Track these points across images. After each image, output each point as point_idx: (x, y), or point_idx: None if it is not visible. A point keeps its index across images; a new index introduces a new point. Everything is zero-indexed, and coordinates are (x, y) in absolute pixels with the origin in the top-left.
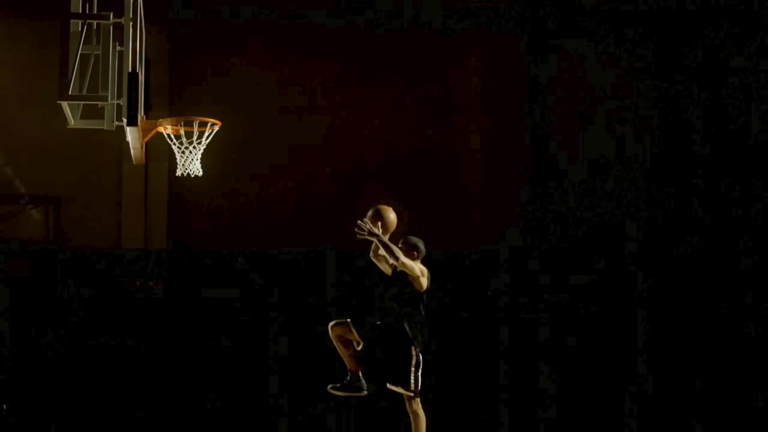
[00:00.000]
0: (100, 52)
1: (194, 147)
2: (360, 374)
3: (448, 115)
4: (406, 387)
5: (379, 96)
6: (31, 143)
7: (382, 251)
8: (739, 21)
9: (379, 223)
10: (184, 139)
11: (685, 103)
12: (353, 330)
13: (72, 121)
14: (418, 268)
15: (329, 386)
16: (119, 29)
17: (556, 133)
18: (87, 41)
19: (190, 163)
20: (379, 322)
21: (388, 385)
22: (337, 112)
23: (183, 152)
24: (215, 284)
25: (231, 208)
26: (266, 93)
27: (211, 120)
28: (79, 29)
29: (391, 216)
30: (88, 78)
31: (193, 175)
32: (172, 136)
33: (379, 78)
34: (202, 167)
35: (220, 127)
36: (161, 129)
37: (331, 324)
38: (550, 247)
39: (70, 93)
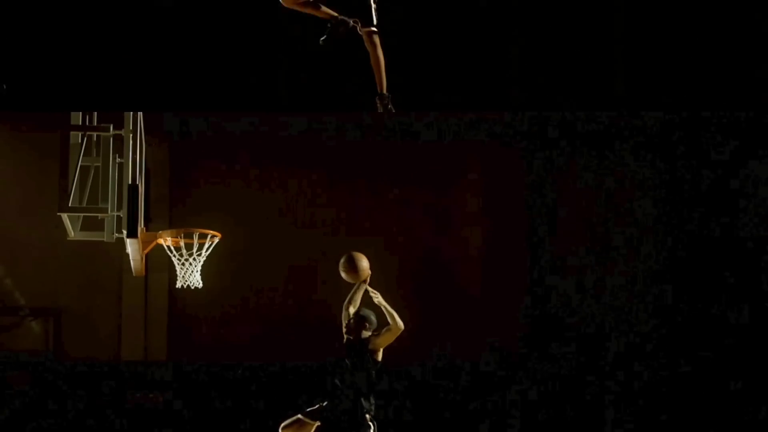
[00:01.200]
0: (100, 164)
1: (194, 259)
2: None
3: (448, 222)
4: None
5: (378, 204)
6: (31, 255)
7: (351, 308)
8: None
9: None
10: (184, 251)
11: (688, 211)
12: (308, 420)
13: (72, 233)
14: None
15: None
16: (119, 141)
17: (555, 237)
18: (87, 153)
19: (190, 274)
20: (326, 403)
21: None
22: (336, 222)
23: (183, 264)
24: (215, 396)
25: (231, 320)
26: (267, 205)
27: (211, 232)
28: (79, 141)
29: (364, 263)
30: (88, 189)
31: (193, 287)
32: (172, 248)
33: (379, 187)
34: (202, 279)
35: (220, 239)
36: (161, 241)
37: (281, 427)
38: (550, 353)
39: (70, 205)
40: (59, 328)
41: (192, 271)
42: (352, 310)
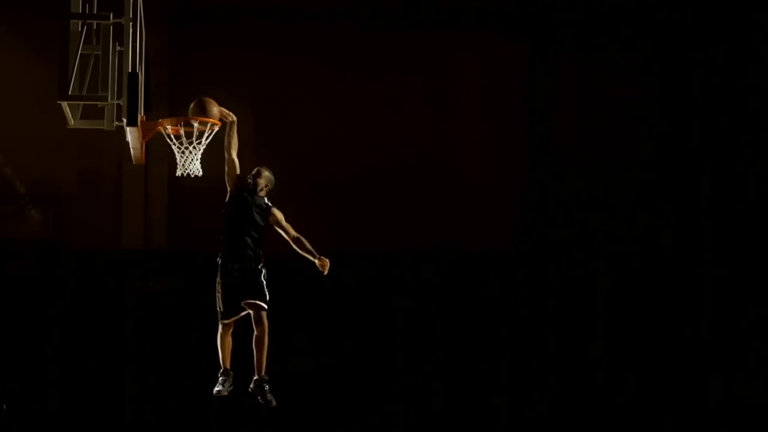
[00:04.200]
0: (100, 52)
1: (194, 147)
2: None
3: (448, 114)
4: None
5: (379, 96)
6: (31, 143)
7: (233, 151)
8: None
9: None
10: (184, 140)
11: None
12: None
13: (72, 121)
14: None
15: None
16: (119, 29)
17: (556, 125)
18: (87, 41)
19: (190, 163)
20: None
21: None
22: (337, 114)
23: (183, 152)
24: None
25: None
26: (267, 94)
27: (211, 120)
28: (79, 29)
29: (214, 109)
30: (88, 78)
31: (193, 176)
32: (172, 136)
33: (380, 78)
34: (201, 168)
35: (221, 128)
36: (161, 129)
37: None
38: (551, 246)
39: (70, 93)
40: (59, 217)
41: (192, 160)
42: (233, 152)
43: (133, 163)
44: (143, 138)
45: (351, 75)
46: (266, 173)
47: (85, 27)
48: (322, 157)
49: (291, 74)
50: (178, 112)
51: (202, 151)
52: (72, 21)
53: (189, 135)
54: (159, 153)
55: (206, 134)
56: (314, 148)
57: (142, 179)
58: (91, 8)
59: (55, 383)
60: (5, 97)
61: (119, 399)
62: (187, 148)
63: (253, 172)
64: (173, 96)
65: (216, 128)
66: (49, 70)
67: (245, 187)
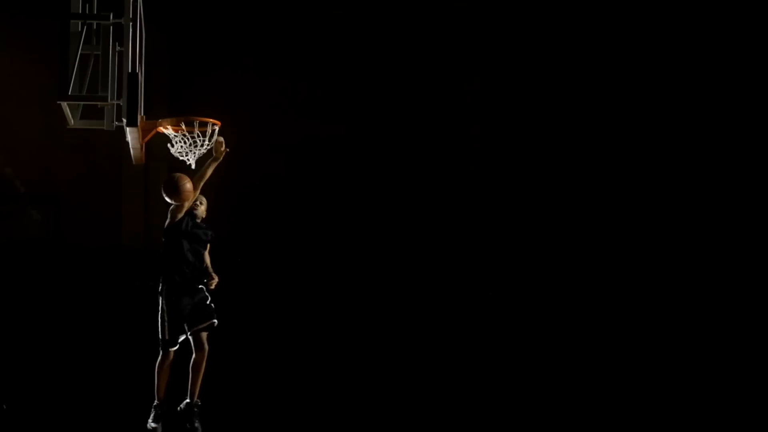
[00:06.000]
0: (100, 52)
1: (194, 147)
2: None
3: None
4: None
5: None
6: (31, 143)
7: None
8: None
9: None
10: (186, 139)
11: None
12: None
13: (72, 122)
14: None
15: None
16: (119, 29)
17: None
18: (87, 41)
19: (190, 161)
20: None
21: None
22: (337, 114)
23: (182, 153)
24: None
25: (230, 208)
26: (268, 93)
27: (211, 120)
28: (79, 29)
29: (187, 185)
30: (88, 78)
31: (187, 164)
32: (172, 139)
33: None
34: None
35: (220, 127)
36: (161, 129)
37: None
38: None
39: (69, 93)
40: (59, 216)
41: (191, 159)
42: (201, 184)
43: (133, 163)
44: (143, 138)
45: (352, 78)
46: (205, 200)
47: (85, 27)
48: (319, 158)
49: (292, 75)
50: (177, 112)
51: (203, 151)
52: (72, 21)
53: (190, 134)
54: (159, 153)
55: (207, 133)
56: (312, 148)
57: (142, 179)
58: (91, 8)
59: (54, 383)
60: (5, 97)
61: (118, 399)
62: (183, 146)
63: (197, 201)
64: (173, 96)
65: (217, 128)
66: (49, 70)
67: (188, 213)
